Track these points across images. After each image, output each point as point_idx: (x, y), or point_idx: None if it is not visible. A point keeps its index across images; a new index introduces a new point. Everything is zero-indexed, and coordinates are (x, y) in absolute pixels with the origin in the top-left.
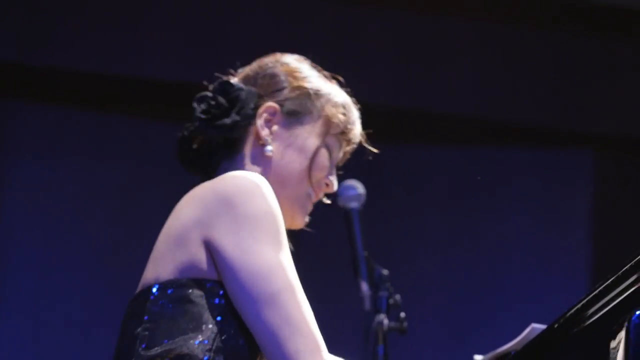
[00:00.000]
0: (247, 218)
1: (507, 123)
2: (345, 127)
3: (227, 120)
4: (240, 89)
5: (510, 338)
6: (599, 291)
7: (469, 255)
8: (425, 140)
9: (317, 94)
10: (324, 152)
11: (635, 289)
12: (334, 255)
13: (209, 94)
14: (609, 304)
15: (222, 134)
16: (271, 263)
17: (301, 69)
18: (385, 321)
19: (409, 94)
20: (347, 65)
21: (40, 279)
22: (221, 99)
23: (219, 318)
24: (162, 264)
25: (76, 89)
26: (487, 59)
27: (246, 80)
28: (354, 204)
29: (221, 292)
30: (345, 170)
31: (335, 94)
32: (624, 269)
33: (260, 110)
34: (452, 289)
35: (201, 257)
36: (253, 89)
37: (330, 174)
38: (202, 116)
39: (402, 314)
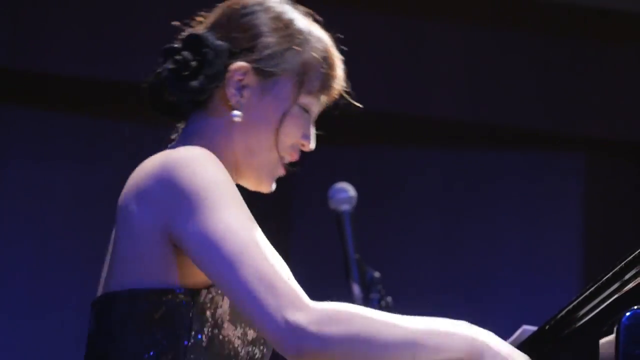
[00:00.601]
0: (194, 194)
1: (498, 126)
2: (325, 82)
3: (195, 83)
4: (211, 47)
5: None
6: (590, 293)
7: (461, 257)
8: (417, 143)
9: (296, 49)
10: (298, 115)
11: (625, 291)
12: (326, 257)
13: (178, 45)
14: (599, 306)
15: (189, 97)
16: (230, 223)
17: (284, 16)
18: None
19: (400, 97)
20: None
21: (32, 283)
22: (189, 57)
23: (184, 330)
24: (123, 266)
25: (66, 93)
26: (478, 62)
27: (218, 27)
28: (346, 207)
29: (184, 302)
30: (337, 173)
31: (315, 45)
32: (614, 271)
33: (231, 70)
34: (443, 291)
35: (162, 257)
36: (224, 45)
37: (306, 134)
38: (170, 75)
39: None
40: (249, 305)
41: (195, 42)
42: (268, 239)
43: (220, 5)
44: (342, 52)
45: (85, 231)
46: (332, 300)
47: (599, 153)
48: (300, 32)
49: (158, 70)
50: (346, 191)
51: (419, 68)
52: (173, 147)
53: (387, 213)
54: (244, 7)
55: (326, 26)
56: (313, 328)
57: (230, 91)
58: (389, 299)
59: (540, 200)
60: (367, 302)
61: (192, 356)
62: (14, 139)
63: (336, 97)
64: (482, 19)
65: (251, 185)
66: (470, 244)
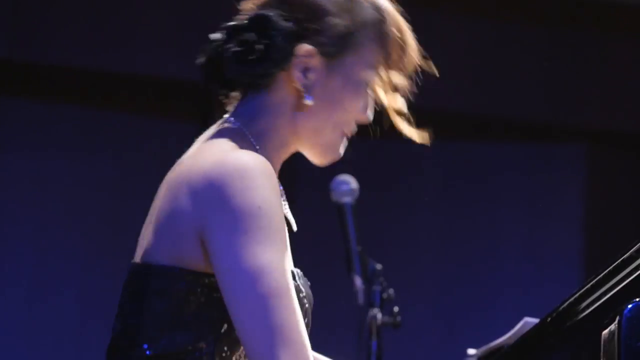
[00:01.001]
0: (239, 214)
1: (499, 118)
2: (397, 59)
3: (260, 69)
4: (279, 30)
5: (504, 332)
6: (591, 285)
7: (462, 249)
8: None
9: (364, 26)
10: (365, 95)
11: (627, 283)
12: (328, 250)
13: (242, 23)
14: (601, 298)
15: (253, 80)
16: (263, 263)
17: None
18: (379, 315)
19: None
20: None
21: (32, 273)
22: (256, 39)
23: (213, 313)
24: (160, 245)
25: (66, 85)
26: (480, 54)
27: (282, 4)
28: (347, 199)
29: (212, 285)
30: (338, 166)
31: (383, 19)
32: (615, 263)
33: (298, 54)
34: (445, 284)
35: (196, 250)
36: (291, 27)
37: (366, 110)
38: (234, 57)
39: (396, 308)
40: (255, 351)
41: (262, 23)
42: None
43: None
44: None
45: (85, 221)
46: (334, 293)
47: (600, 145)
48: (366, 9)
49: (217, 46)
50: (348, 184)
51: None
52: (234, 123)
53: (389, 205)
54: None
55: None
56: None
57: (296, 74)
58: (391, 291)
59: (541, 192)
60: (368, 294)
61: (224, 346)
62: (14, 130)
63: (411, 71)
64: (485, 12)
65: (314, 157)
66: (472, 236)
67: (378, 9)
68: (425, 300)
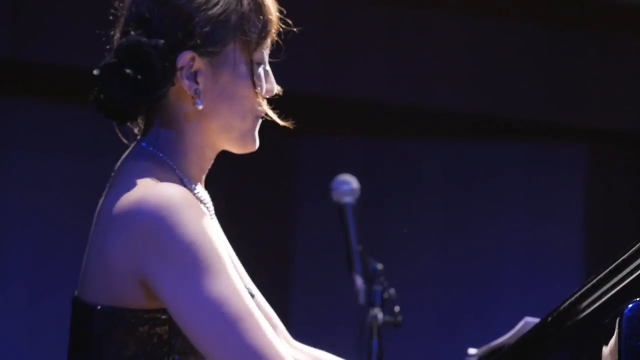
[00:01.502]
0: (174, 252)
1: (500, 117)
2: (265, 32)
3: (151, 96)
4: (152, 55)
5: (504, 331)
6: (592, 284)
7: (463, 249)
8: (419, 135)
9: (227, 17)
10: (259, 72)
11: (627, 282)
12: (328, 249)
13: (114, 60)
14: (601, 297)
15: (147, 104)
16: (219, 294)
17: None
18: (380, 315)
19: (403, 89)
20: (339, 62)
21: (34, 272)
22: (134, 73)
23: (165, 350)
24: (96, 284)
25: (67, 84)
26: (480, 54)
27: (144, 23)
28: (348, 199)
29: (161, 322)
30: (340, 165)
31: (242, 4)
32: (616, 262)
33: (179, 64)
34: (446, 283)
35: (135, 289)
36: (160, 43)
37: (270, 85)
38: (122, 94)
39: (397, 308)
40: None
41: (132, 53)
42: (271, 231)
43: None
44: (344, 44)
45: (87, 220)
46: (335, 293)
47: (601, 144)
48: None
49: (100, 85)
50: (349, 183)
51: (422, 60)
52: (146, 147)
53: (390, 205)
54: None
55: (325, 18)
56: None
57: (185, 83)
58: (392, 290)
59: (542, 191)
60: (369, 293)
61: None
62: (16, 129)
63: (275, 35)
64: (486, 11)
65: (237, 150)
66: (473, 236)
67: (236, 3)
68: (426, 300)
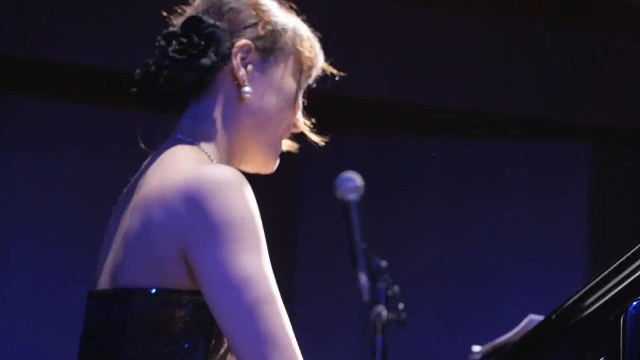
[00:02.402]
0: (222, 226)
1: (504, 115)
2: (313, 62)
3: (206, 61)
4: (215, 26)
5: (508, 329)
6: (596, 282)
7: (467, 246)
8: (423, 133)
9: (285, 29)
10: (299, 92)
11: (631, 280)
12: (333, 247)
13: (178, 31)
14: (605, 295)
15: (198, 76)
16: (248, 273)
17: (263, 2)
18: (384, 312)
19: (407, 87)
20: (342, 59)
21: (39, 268)
22: (195, 38)
23: (202, 332)
24: (139, 268)
25: (71, 82)
26: (484, 52)
27: (210, 13)
28: (353, 196)
29: (191, 304)
30: (344, 163)
31: (300, 27)
32: (620, 261)
33: (235, 49)
34: (450, 281)
35: (178, 267)
36: (225, 25)
37: (299, 112)
38: (177, 56)
39: (401, 305)
40: (249, 358)
41: (198, 23)
42: (275, 227)
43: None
44: (347, 42)
45: (90, 218)
46: (339, 290)
47: (605, 143)
48: (283, 10)
49: (150, 62)
50: (353, 180)
51: (426, 58)
52: (183, 139)
53: (394, 202)
54: None
55: (328, 16)
56: None
57: (236, 69)
58: (396, 288)
59: (545, 190)
60: (373, 291)
61: (211, 355)
62: (19, 126)
63: (317, 78)
64: (488, 10)
65: (257, 166)
66: (477, 234)
67: (295, 22)
68: (430, 297)
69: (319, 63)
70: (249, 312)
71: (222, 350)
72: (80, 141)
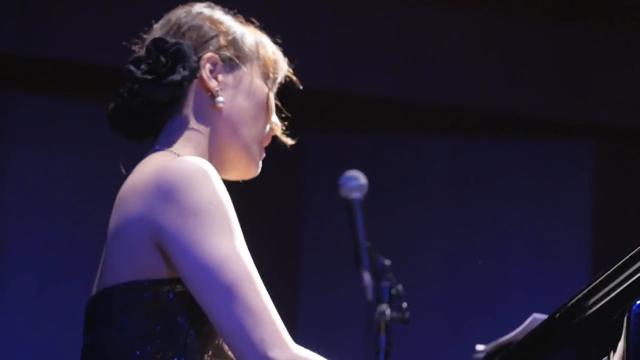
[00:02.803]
0: (192, 211)
1: (507, 114)
2: (278, 65)
3: (176, 77)
4: (179, 43)
5: (512, 328)
6: (600, 281)
7: (471, 245)
8: (426, 132)
9: (244, 38)
10: (270, 95)
11: (635, 279)
12: (337, 245)
13: (143, 54)
14: (609, 294)
15: (171, 92)
16: (223, 254)
17: (219, 17)
18: (388, 311)
19: (409, 85)
20: (346, 59)
21: (40, 269)
22: (161, 57)
23: (180, 318)
24: (117, 265)
25: (74, 79)
26: (487, 50)
27: (171, 34)
28: (356, 195)
29: (175, 290)
30: (348, 161)
31: (258, 34)
32: (624, 259)
33: (202, 61)
34: (454, 279)
35: (154, 257)
36: (187, 42)
37: (274, 115)
38: (148, 77)
39: (404, 304)
40: (234, 336)
41: (161, 43)
42: (279, 227)
43: (153, 27)
44: (350, 41)
45: (92, 216)
46: (343, 289)
47: (609, 141)
48: (236, 24)
49: (120, 90)
50: (357, 179)
51: (430, 57)
52: (160, 149)
53: (398, 201)
54: (181, 17)
55: (337, 15)
56: None
57: (207, 80)
58: (400, 287)
59: (550, 188)
60: (377, 290)
61: (193, 344)
62: (22, 124)
63: (281, 83)
64: (493, 7)
65: (240, 172)
66: (481, 233)
67: (252, 32)
68: (434, 296)
69: (284, 67)
70: (228, 291)
71: (205, 332)
72: (83, 139)
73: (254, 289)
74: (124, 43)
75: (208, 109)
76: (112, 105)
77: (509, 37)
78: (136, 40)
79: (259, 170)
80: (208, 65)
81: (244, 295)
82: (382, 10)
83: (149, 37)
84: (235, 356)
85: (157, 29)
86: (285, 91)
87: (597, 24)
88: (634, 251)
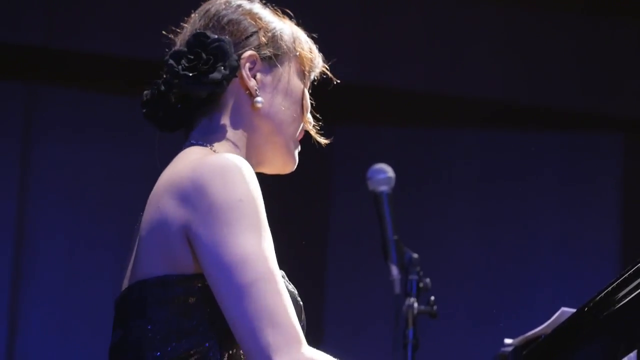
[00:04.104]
0: (221, 207)
1: (536, 108)
2: (314, 63)
3: (217, 75)
4: (220, 40)
5: (541, 322)
6: (628, 275)
7: (499, 239)
8: (455, 125)
9: (283, 33)
10: (306, 92)
11: None
12: (364, 238)
13: (184, 49)
14: (638, 288)
15: (210, 90)
16: (245, 252)
17: (258, 11)
18: (416, 305)
19: (439, 78)
20: (374, 53)
21: (68, 260)
22: (203, 54)
23: (213, 312)
24: (151, 258)
25: (101, 73)
26: (516, 43)
27: (210, 28)
28: (384, 188)
29: (200, 288)
30: (375, 154)
31: (296, 30)
32: None
33: (242, 60)
34: (482, 273)
35: (186, 251)
36: (228, 38)
37: (308, 112)
38: (188, 73)
39: (432, 298)
40: (243, 336)
41: (203, 39)
42: (307, 220)
43: (191, 16)
44: (378, 35)
45: (120, 207)
46: (370, 282)
47: (638, 134)
48: (275, 20)
49: (158, 81)
50: (385, 172)
51: (458, 50)
52: (197, 144)
53: (425, 194)
54: (221, 9)
55: (366, 11)
56: None
57: (246, 79)
58: (427, 280)
59: (578, 182)
60: (405, 283)
61: (226, 337)
62: (51, 117)
63: (317, 77)
64: (524, 1)
65: (277, 167)
66: (509, 226)
67: (291, 27)
68: (462, 290)
69: (319, 63)
70: (247, 290)
71: None
72: (111, 131)
73: (271, 289)
74: (150, 35)
75: (246, 108)
76: (147, 94)
77: (538, 32)
78: (174, 28)
79: (296, 164)
80: (248, 64)
81: (259, 296)
82: (411, 6)
83: (187, 27)
84: (244, 356)
85: (196, 20)
86: (313, 84)
87: (624, 18)
88: None
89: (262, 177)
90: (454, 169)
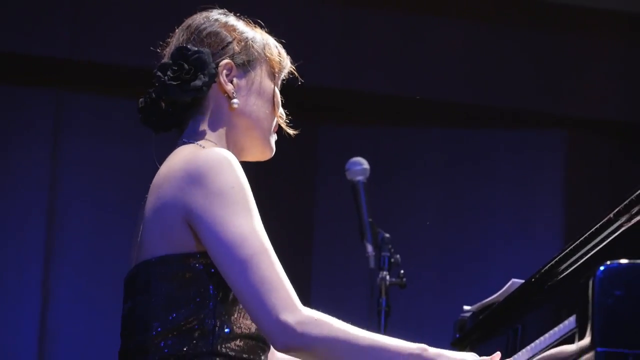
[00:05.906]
0: (216, 194)
1: (492, 108)
2: (282, 65)
3: (197, 83)
4: (200, 51)
5: (494, 291)
6: (570, 250)
7: (459, 221)
8: (422, 123)
9: (254, 41)
10: (276, 90)
11: (599, 249)
12: (344, 221)
13: (169, 61)
14: (578, 261)
15: (193, 95)
16: (242, 231)
17: (233, 22)
18: (388, 277)
19: (408, 83)
20: (353, 60)
21: (92, 241)
22: (185, 65)
23: (209, 286)
24: (153, 241)
25: (121, 81)
26: (475, 53)
27: (191, 42)
28: (360, 178)
29: (204, 262)
30: (353, 149)
31: (266, 37)
32: (590, 231)
33: (220, 67)
34: (444, 250)
35: (185, 233)
36: (207, 49)
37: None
38: (173, 82)
39: (402, 271)
40: (251, 302)
41: (183, 53)
42: (295, 206)
43: (175, 32)
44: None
45: (135, 199)
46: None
47: (579, 131)
48: (250, 26)
49: (154, 86)
50: (361, 164)
51: (425, 59)
52: (187, 142)
53: (396, 183)
54: (200, 23)
55: (344, 21)
56: (299, 328)
57: (224, 84)
58: (398, 256)
59: (528, 172)
60: (378, 259)
61: (221, 308)
62: (76, 120)
63: (285, 77)
64: (482, 16)
65: (257, 156)
66: (468, 210)
67: (261, 35)
68: (428, 264)
69: (287, 64)
70: (245, 263)
71: (231, 297)
72: (128, 133)
73: (268, 261)
74: (159, 50)
75: (225, 108)
76: (142, 102)
77: (493, 42)
78: (161, 43)
79: (274, 152)
80: (225, 71)
81: (259, 267)
82: (387, 18)
83: (171, 41)
84: (252, 320)
85: (179, 34)
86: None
87: (569, 32)
88: (599, 224)
89: (263, 175)
90: (420, 161)
